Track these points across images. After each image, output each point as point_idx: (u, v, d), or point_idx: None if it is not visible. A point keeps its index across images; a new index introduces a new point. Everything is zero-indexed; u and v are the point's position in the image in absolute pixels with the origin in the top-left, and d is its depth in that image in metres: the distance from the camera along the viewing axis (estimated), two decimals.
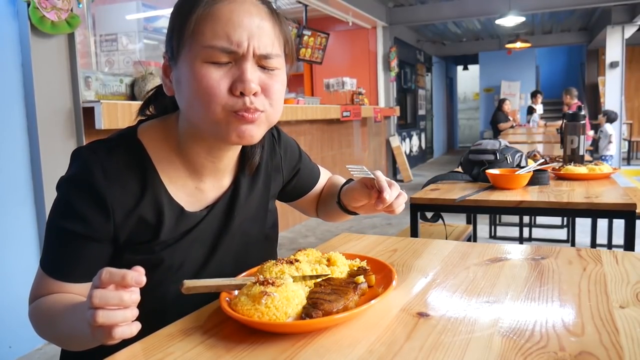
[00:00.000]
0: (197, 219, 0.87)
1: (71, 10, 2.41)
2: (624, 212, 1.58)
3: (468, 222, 3.45)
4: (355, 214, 1.04)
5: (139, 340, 0.67)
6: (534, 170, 1.93)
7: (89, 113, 2.50)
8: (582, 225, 4.21)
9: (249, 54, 0.75)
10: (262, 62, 0.77)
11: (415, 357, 0.61)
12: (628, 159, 9.97)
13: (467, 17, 7.98)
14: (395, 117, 8.40)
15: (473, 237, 3.07)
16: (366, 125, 7.15)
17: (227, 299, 0.74)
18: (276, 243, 1.05)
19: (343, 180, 1.13)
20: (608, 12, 8.31)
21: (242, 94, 0.75)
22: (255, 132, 0.79)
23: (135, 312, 0.62)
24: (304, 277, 0.79)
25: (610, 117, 6.68)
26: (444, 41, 11.61)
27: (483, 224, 4.47)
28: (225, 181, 0.92)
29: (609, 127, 6.54)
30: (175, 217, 0.85)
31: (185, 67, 0.76)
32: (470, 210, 2.12)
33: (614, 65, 8.42)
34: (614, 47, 8.38)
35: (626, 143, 10.15)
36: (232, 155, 0.90)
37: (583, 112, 2.27)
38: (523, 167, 2.02)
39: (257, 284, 0.71)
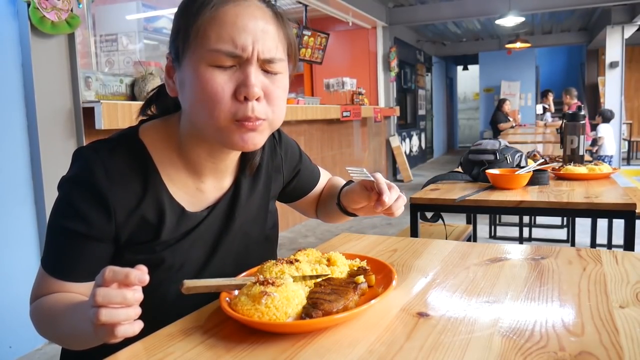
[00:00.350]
0: (198, 220, 0.87)
1: (71, 10, 2.41)
2: (624, 212, 1.58)
3: (468, 222, 3.45)
4: (354, 215, 1.04)
5: (139, 340, 0.67)
6: (533, 170, 1.93)
7: (89, 113, 2.50)
8: (582, 225, 4.21)
9: (253, 58, 0.76)
10: (265, 66, 0.78)
11: (415, 357, 0.61)
12: (628, 159, 9.97)
13: (467, 17, 7.98)
14: (395, 117, 8.40)
15: (473, 237, 3.07)
16: (366, 125, 7.15)
17: (227, 299, 0.74)
18: (276, 244, 1.05)
19: (343, 182, 1.13)
20: (608, 12, 8.31)
21: (246, 99, 0.75)
22: (258, 139, 0.79)
23: (138, 311, 0.62)
24: (304, 277, 0.79)
25: (606, 117, 6.67)
26: (444, 41, 11.61)
27: (483, 224, 4.47)
28: (226, 182, 0.92)
29: (601, 128, 6.54)
30: (176, 218, 0.85)
31: (189, 70, 0.77)
32: (470, 210, 2.12)
33: (613, 65, 8.42)
34: (614, 47, 8.37)
35: (626, 143, 10.14)
36: (232, 157, 0.90)
37: (583, 112, 2.27)
38: (523, 167, 2.02)
39: (257, 284, 0.71)
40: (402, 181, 8.07)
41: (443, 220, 2.07)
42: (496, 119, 8.32)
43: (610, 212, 1.62)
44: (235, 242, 0.93)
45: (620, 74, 8.41)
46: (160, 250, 0.84)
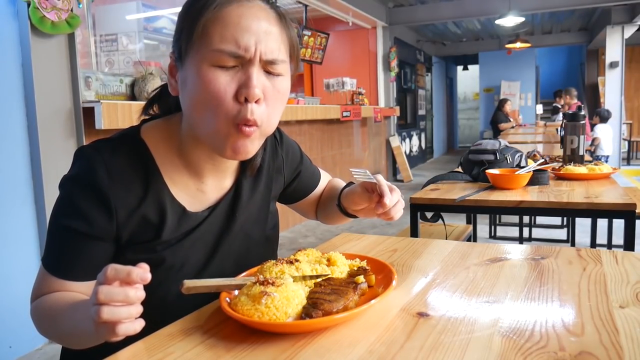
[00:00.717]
0: (198, 220, 0.87)
1: (71, 10, 2.41)
2: (624, 212, 1.58)
3: (468, 222, 3.45)
4: (354, 217, 1.04)
5: (139, 339, 0.67)
6: (533, 170, 1.93)
7: (89, 113, 2.50)
8: (582, 225, 4.21)
9: (256, 58, 0.76)
10: (268, 67, 0.78)
11: (415, 357, 0.61)
12: (628, 159, 9.96)
13: (467, 17, 7.97)
14: (395, 117, 8.40)
15: (473, 237, 3.07)
16: (366, 125, 7.15)
17: (227, 299, 0.74)
18: (277, 244, 1.05)
19: (343, 184, 1.13)
20: (608, 12, 8.31)
21: (246, 100, 0.75)
22: (250, 148, 0.79)
23: (139, 309, 0.62)
24: (304, 277, 0.79)
25: (603, 116, 6.67)
26: (444, 41, 11.61)
27: (483, 224, 4.47)
28: (227, 182, 0.92)
29: (598, 128, 6.54)
30: (177, 217, 0.85)
31: (191, 69, 0.77)
32: (470, 210, 2.12)
33: (613, 65, 8.42)
34: (614, 47, 8.37)
35: (626, 143, 10.14)
36: None
37: (583, 112, 2.27)
38: (523, 167, 2.02)
39: (257, 284, 0.71)
40: (402, 181, 8.08)
41: (443, 220, 2.07)
42: (496, 119, 8.32)
43: (610, 212, 1.62)
44: (236, 243, 0.93)
45: (620, 74, 8.41)
46: (161, 250, 0.84)
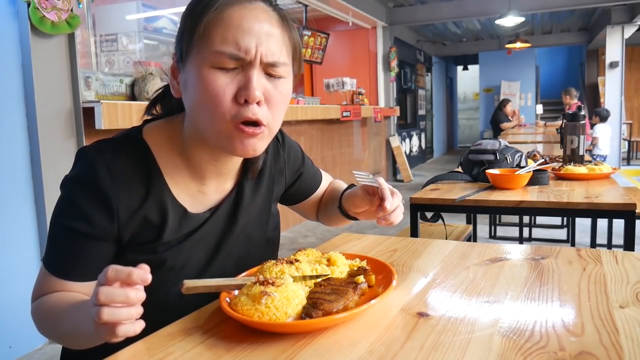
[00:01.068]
0: (200, 221, 0.87)
1: (71, 10, 2.41)
2: (624, 212, 1.58)
3: (468, 222, 3.45)
4: (355, 219, 1.04)
5: (140, 339, 0.67)
6: (533, 170, 1.93)
7: (89, 113, 2.50)
8: (582, 225, 4.21)
9: (256, 61, 0.75)
10: (269, 69, 0.77)
11: (415, 357, 0.61)
12: (628, 159, 9.96)
13: (467, 17, 7.97)
14: (395, 117, 8.40)
15: (473, 237, 3.08)
16: (366, 125, 7.15)
17: (227, 299, 0.74)
18: (278, 246, 1.05)
19: (345, 185, 1.13)
20: (608, 12, 8.31)
21: (246, 102, 0.75)
22: (258, 146, 0.79)
23: (140, 310, 0.62)
24: (304, 277, 0.79)
25: (602, 116, 6.68)
26: (444, 41, 11.61)
27: (483, 224, 4.47)
28: (228, 184, 0.92)
29: (597, 128, 6.55)
30: (178, 218, 0.85)
31: (192, 71, 0.77)
32: (470, 210, 2.12)
33: (613, 65, 8.42)
34: (614, 47, 8.37)
35: (626, 143, 10.14)
36: (235, 160, 0.90)
37: (583, 112, 2.27)
38: (523, 167, 2.02)
39: (257, 284, 0.71)
40: (402, 181, 8.08)
41: (443, 220, 2.07)
42: (497, 119, 8.32)
43: (610, 212, 1.62)
44: (237, 244, 0.93)
45: (620, 74, 8.41)
46: (163, 251, 0.84)
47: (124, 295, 0.60)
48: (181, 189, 0.86)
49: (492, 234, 4.36)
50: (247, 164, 0.93)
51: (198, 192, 0.88)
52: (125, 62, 3.62)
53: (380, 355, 0.61)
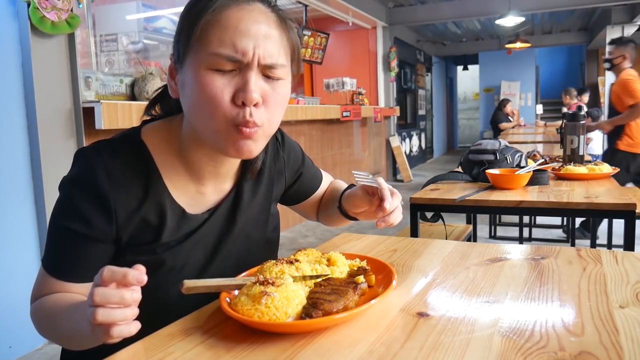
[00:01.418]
0: (198, 222, 0.87)
1: (71, 10, 2.41)
2: (624, 212, 1.58)
3: (468, 222, 3.45)
4: (355, 219, 1.04)
5: (139, 340, 0.67)
6: (533, 170, 1.93)
7: (89, 113, 2.50)
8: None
9: (254, 63, 0.75)
10: (266, 71, 0.77)
11: (415, 357, 0.61)
12: None
13: (467, 17, 7.98)
14: (395, 117, 8.40)
15: (473, 237, 3.07)
16: (366, 125, 7.14)
17: (227, 299, 0.74)
18: (277, 246, 1.05)
19: (345, 185, 1.13)
20: (608, 12, 8.31)
21: (244, 104, 0.75)
22: (254, 147, 0.79)
23: (135, 311, 0.62)
24: (304, 277, 0.79)
25: (593, 116, 6.68)
26: (444, 41, 11.61)
27: (483, 224, 4.47)
28: (227, 185, 0.92)
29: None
30: (177, 219, 0.85)
31: (190, 72, 0.76)
32: (470, 210, 2.12)
33: None
34: None
35: None
36: (234, 160, 0.89)
37: (582, 112, 2.27)
38: (523, 167, 2.02)
39: (257, 284, 0.71)
40: (402, 181, 8.08)
41: (443, 220, 2.07)
42: (497, 119, 8.32)
43: (610, 212, 1.61)
44: (237, 245, 0.93)
45: None
46: (161, 252, 0.84)
47: (119, 296, 0.60)
48: (180, 190, 0.86)
49: (492, 234, 4.36)
50: (246, 165, 0.93)
51: (197, 192, 0.88)
52: (125, 62, 3.62)
53: (380, 355, 0.61)
